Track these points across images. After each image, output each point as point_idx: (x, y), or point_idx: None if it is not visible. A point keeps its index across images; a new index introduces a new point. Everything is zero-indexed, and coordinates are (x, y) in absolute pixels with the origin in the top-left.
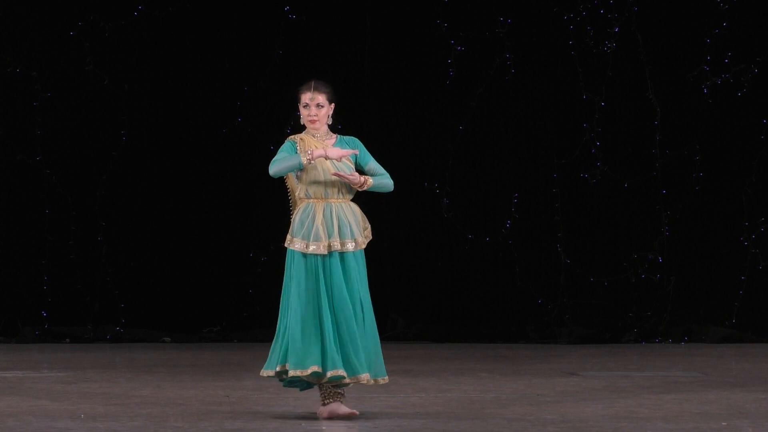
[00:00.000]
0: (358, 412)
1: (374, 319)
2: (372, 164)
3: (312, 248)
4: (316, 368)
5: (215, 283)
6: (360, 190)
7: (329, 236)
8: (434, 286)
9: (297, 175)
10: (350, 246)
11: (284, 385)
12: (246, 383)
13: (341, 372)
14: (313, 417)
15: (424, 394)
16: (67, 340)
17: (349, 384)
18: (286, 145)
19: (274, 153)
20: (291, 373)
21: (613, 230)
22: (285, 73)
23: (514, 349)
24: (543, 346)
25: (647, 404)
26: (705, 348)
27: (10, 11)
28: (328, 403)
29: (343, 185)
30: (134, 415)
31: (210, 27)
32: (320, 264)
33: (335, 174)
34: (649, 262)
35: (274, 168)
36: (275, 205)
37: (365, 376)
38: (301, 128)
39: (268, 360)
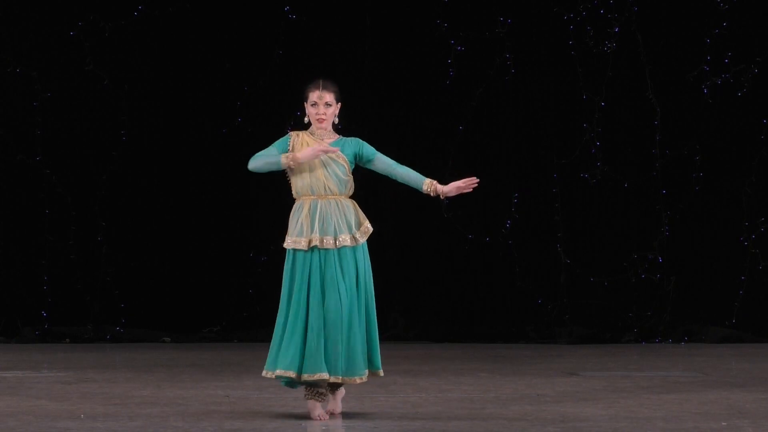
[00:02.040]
0: (327, 417)
1: (359, 316)
2: (380, 157)
3: (294, 244)
4: (280, 371)
5: (215, 283)
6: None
7: (311, 232)
8: (434, 286)
9: (287, 174)
10: (328, 243)
11: (282, 384)
12: (246, 383)
13: (290, 374)
14: (307, 417)
15: (424, 394)
16: (67, 340)
17: (308, 383)
18: (280, 139)
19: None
20: (263, 373)
21: (613, 230)
22: (285, 73)
23: (514, 349)
24: (543, 346)
25: (647, 404)
26: (705, 348)
27: (10, 11)
28: (307, 399)
29: (330, 181)
30: (134, 415)
31: (210, 27)
32: (302, 260)
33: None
34: (649, 262)
35: (253, 163)
36: (275, 205)
37: (324, 375)
38: (302, 126)
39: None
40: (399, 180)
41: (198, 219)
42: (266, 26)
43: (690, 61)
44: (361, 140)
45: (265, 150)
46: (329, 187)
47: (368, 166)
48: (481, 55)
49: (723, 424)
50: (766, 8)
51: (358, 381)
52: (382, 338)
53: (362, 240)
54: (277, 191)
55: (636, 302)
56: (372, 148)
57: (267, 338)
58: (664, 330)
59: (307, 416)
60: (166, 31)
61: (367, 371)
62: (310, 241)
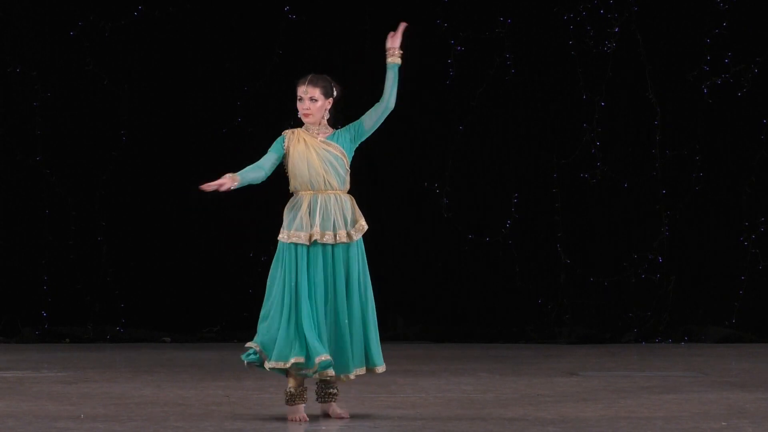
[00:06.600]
0: (348, 416)
1: (360, 311)
2: (364, 118)
3: (294, 238)
4: (298, 359)
5: (215, 283)
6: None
7: (311, 227)
8: (434, 286)
9: (285, 169)
10: (328, 238)
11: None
12: (246, 383)
13: (325, 357)
14: (312, 417)
15: (424, 394)
16: (67, 340)
17: (316, 376)
18: (277, 141)
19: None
20: (272, 365)
21: (613, 230)
22: (285, 73)
23: (514, 349)
24: (543, 346)
25: (647, 404)
26: (705, 348)
27: (10, 11)
28: (321, 402)
29: (330, 176)
30: (134, 415)
31: (210, 27)
32: (302, 254)
33: None
34: (649, 262)
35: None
36: (275, 205)
37: (329, 372)
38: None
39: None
40: (390, 102)
41: (198, 219)
42: (266, 26)
43: (690, 61)
44: (346, 125)
45: (262, 159)
46: (329, 182)
47: (366, 135)
48: (481, 55)
49: (723, 424)
50: (766, 8)
51: (352, 377)
52: (382, 338)
53: (357, 237)
54: (276, 191)
55: (636, 302)
56: (354, 122)
57: None
58: (664, 330)
59: (312, 416)
60: (166, 31)
61: (364, 368)
62: (311, 236)
